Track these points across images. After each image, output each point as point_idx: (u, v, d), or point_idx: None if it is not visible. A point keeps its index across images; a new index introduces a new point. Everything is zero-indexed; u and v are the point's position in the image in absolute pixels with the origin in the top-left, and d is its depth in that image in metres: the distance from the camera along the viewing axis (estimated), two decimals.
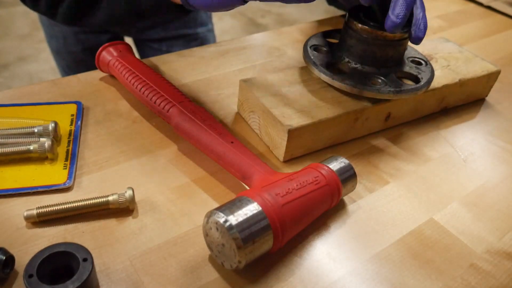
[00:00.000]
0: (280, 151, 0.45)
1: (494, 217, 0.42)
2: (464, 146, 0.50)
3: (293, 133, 0.43)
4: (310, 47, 0.50)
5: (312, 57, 0.49)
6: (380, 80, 0.47)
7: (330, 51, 0.51)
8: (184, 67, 0.59)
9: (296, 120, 0.43)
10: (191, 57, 0.61)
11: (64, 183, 0.40)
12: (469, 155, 0.49)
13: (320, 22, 0.75)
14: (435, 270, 0.37)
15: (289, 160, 0.46)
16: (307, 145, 0.45)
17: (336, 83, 0.46)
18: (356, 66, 0.48)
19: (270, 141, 0.46)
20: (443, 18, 0.81)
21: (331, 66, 0.49)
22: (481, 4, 0.88)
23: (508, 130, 0.54)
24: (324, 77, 0.46)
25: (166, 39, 0.88)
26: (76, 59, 0.88)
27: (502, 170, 0.48)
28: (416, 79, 0.49)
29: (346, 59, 0.49)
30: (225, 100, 0.53)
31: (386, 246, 0.38)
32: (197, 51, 0.63)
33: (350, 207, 0.41)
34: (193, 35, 0.90)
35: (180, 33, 0.88)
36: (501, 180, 0.46)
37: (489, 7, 0.87)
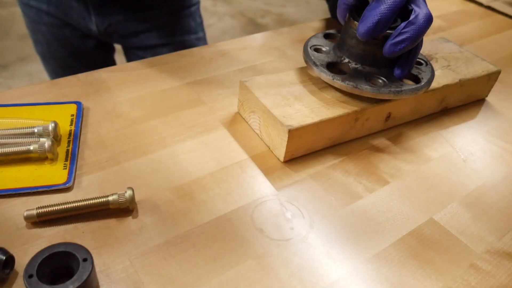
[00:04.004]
0: (280, 151, 0.45)
1: (494, 217, 0.42)
2: (464, 146, 0.50)
3: (293, 133, 0.43)
4: (310, 47, 0.50)
5: (312, 57, 0.49)
6: (380, 80, 0.47)
7: (330, 51, 0.51)
8: (183, 67, 0.59)
9: (297, 120, 0.43)
10: (191, 57, 0.61)
11: (64, 183, 0.40)
12: (469, 155, 0.49)
13: (320, 22, 0.75)
14: (435, 270, 0.37)
15: (289, 160, 0.46)
16: (307, 145, 0.45)
17: (337, 83, 0.46)
18: (357, 66, 0.48)
19: (271, 141, 0.46)
20: (443, 18, 0.81)
21: (331, 66, 0.49)
22: (481, 4, 0.88)
23: (508, 130, 0.54)
24: (325, 77, 0.46)
25: (151, 48, 0.83)
26: (62, 64, 0.85)
27: (502, 170, 0.48)
28: (416, 79, 0.49)
29: (346, 59, 0.49)
30: (225, 100, 0.53)
31: (386, 246, 0.38)
32: (197, 51, 0.63)
33: (350, 207, 0.41)
34: (180, 43, 0.84)
35: (164, 41, 0.83)
36: (501, 180, 0.46)
37: (489, 7, 0.87)
